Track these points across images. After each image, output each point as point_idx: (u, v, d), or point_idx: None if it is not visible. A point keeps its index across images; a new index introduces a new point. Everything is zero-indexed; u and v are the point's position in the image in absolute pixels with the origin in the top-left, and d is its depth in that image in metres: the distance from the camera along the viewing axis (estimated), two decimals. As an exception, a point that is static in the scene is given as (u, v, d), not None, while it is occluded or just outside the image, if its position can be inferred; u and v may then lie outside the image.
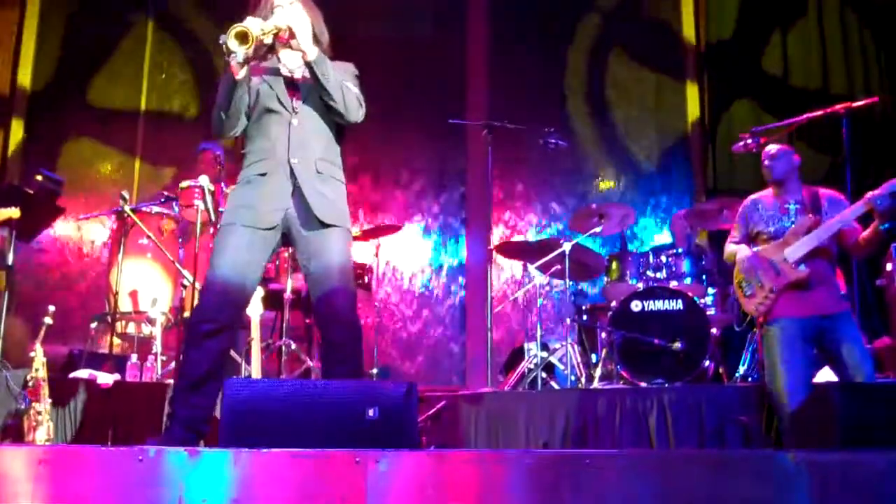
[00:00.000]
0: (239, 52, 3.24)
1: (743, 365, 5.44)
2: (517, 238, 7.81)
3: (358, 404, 2.96)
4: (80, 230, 7.59)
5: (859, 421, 3.06)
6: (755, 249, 4.56)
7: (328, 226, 3.40)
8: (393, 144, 8.00)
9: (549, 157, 7.27)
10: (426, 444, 4.85)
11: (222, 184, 5.95)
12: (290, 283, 5.86)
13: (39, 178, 5.28)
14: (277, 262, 6.00)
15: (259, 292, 4.42)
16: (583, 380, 5.66)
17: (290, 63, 3.55)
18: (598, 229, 5.93)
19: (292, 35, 3.42)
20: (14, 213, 4.97)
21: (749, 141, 5.02)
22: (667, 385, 5.12)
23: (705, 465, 2.30)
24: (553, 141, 6.02)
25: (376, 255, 6.61)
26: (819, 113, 4.99)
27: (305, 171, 3.40)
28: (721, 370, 5.50)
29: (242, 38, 3.24)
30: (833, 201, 4.51)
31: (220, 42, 3.24)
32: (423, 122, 7.80)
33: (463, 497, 2.34)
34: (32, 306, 6.40)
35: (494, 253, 6.63)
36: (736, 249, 4.68)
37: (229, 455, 2.42)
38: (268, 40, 3.43)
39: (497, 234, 7.86)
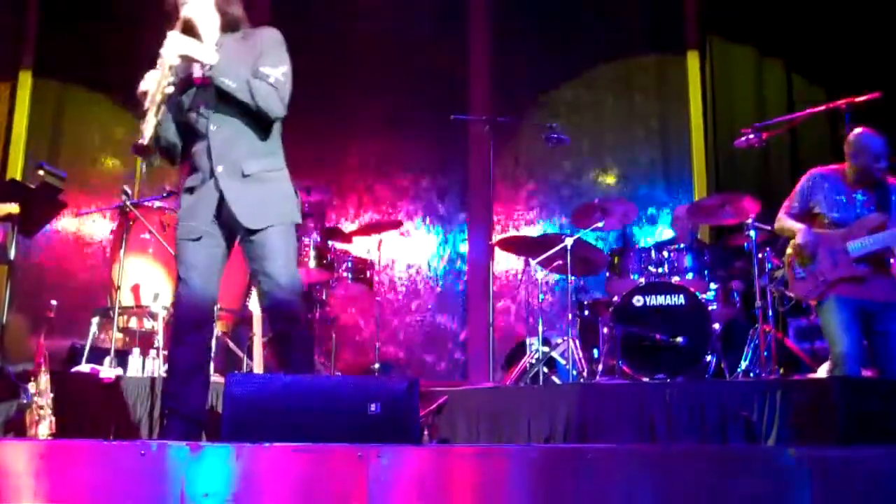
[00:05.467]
0: (152, 154, 3.37)
1: (745, 360, 5.44)
2: (519, 233, 7.80)
3: (360, 399, 2.96)
4: (81, 225, 7.59)
5: (860, 415, 3.07)
6: (815, 232, 4.45)
7: (263, 228, 3.40)
8: (395, 140, 8.00)
9: (550, 152, 7.26)
10: (428, 439, 4.85)
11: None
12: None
13: (41, 172, 5.26)
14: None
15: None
16: (584, 375, 5.66)
17: (194, 72, 3.45)
18: (599, 224, 5.93)
19: (188, 58, 3.37)
20: (13, 208, 4.96)
21: (751, 136, 5.00)
22: (668, 380, 5.12)
23: (707, 461, 2.30)
24: (555, 136, 6.01)
25: (378, 250, 6.61)
26: (821, 108, 4.98)
27: (230, 179, 3.38)
28: (723, 365, 5.49)
29: (145, 151, 3.29)
30: None
31: (133, 149, 3.30)
32: (424, 118, 7.79)
33: (464, 492, 2.34)
34: (34, 301, 6.41)
35: (496, 248, 6.63)
36: (794, 226, 4.52)
37: (231, 449, 2.43)
38: (170, 80, 3.32)
39: (499, 230, 7.86)
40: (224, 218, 3.43)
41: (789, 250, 4.55)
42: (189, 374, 3.44)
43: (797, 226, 4.54)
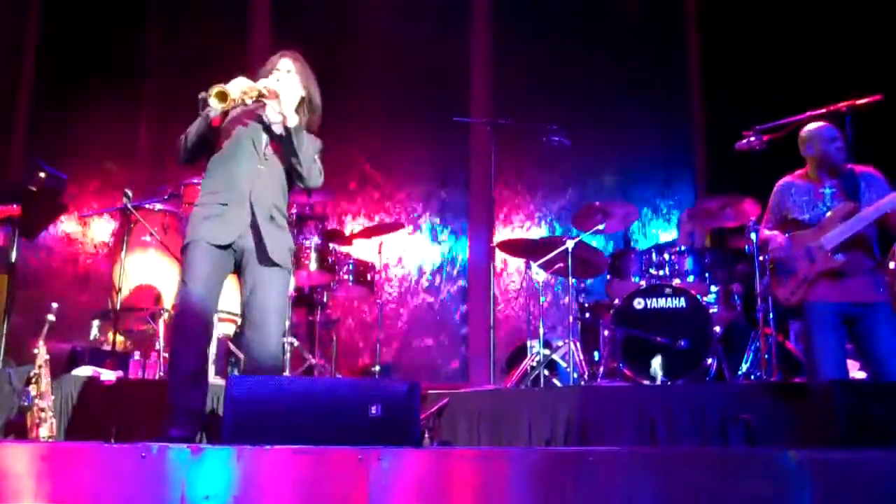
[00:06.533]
0: (216, 108, 3.58)
1: (745, 363, 5.44)
2: (520, 235, 7.80)
3: (360, 402, 2.97)
4: (83, 227, 7.59)
5: (860, 418, 3.06)
6: (788, 236, 4.48)
7: (274, 264, 3.69)
8: (396, 142, 8.01)
9: (552, 154, 7.26)
10: (429, 442, 4.85)
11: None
12: (292, 281, 5.87)
13: (42, 174, 5.27)
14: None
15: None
16: (585, 377, 5.66)
17: (272, 116, 3.80)
18: (600, 227, 5.92)
19: (277, 98, 3.71)
20: (14, 211, 4.97)
21: (752, 138, 4.99)
22: (669, 383, 5.11)
23: (707, 464, 2.30)
24: (556, 139, 6.01)
25: (379, 252, 6.61)
26: (822, 111, 4.97)
27: (261, 211, 3.70)
28: (724, 368, 5.49)
29: (222, 97, 3.55)
30: (871, 181, 4.43)
31: (200, 97, 3.60)
32: (426, 120, 7.80)
33: (465, 494, 2.34)
34: (35, 303, 6.40)
35: (497, 250, 6.62)
36: (769, 236, 4.59)
37: (232, 452, 2.43)
38: (249, 100, 3.71)
39: (500, 232, 7.86)
40: (244, 241, 3.67)
41: (770, 261, 4.58)
42: (193, 375, 3.60)
43: (770, 234, 4.63)
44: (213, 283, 3.66)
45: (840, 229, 4.31)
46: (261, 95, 3.70)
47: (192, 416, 3.56)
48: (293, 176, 3.82)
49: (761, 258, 5.09)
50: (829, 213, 4.38)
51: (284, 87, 3.75)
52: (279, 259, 3.69)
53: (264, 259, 3.66)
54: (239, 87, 3.62)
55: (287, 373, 5.72)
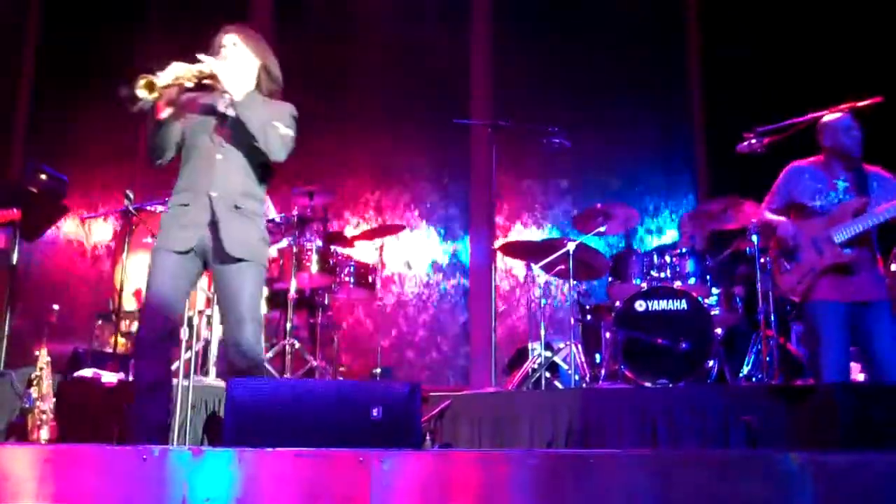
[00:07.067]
0: (147, 100, 3.41)
1: (747, 365, 5.43)
2: (521, 237, 7.80)
3: (362, 404, 2.96)
4: (84, 229, 7.59)
5: (861, 421, 3.06)
6: (796, 223, 4.45)
7: (237, 260, 3.53)
8: (397, 144, 8.02)
9: (552, 155, 7.26)
10: (430, 444, 4.84)
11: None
12: (293, 283, 5.88)
13: (43, 176, 5.28)
14: (282, 262, 6.02)
15: (264, 292, 4.45)
16: (587, 379, 5.66)
17: (222, 101, 3.66)
18: (602, 229, 5.92)
19: (216, 78, 3.54)
20: (15, 215, 4.97)
21: (753, 140, 4.99)
22: (670, 385, 5.11)
23: (709, 466, 2.29)
24: (557, 141, 6.01)
25: (380, 254, 6.61)
26: (823, 112, 4.96)
27: (222, 205, 3.54)
28: (725, 370, 5.49)
29: (149, 87, 3.40)
30: (882, 181, 4.42)
31: (122, 95, 3.42)
32: (426, 122, 7.81)
33: (466, 497, 2.34)
34: (37, 305, 6.42)
35: (498, 253, 6.62)
36: (775, 220, 4.55)
37: (233, 454, 2.43)
38: (189, 84, 3.53)
39: (500, 234, 7.86)
40: (204, 243, 3.55)
41: (774, 246, 4.55)
42: (152, 387, 3.50)
43: (777, 219, 4.57)
44: (176, 290, 3.54)
45: (851, 224, 4.30)
46: (203, 77, 3.53)
47: (151, 430, 3.44)
48: (259, 154, 3.60)
49: (763, 258, 5.08)
50: (840, 206, 4.36)
51: (231, 62, 3.59)
52: (241, 253, 3.53)
53: (226, 257, 3.52)
54: (172, 73, 3.45)
55: (288, 374, 5.73)
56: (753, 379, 5.36)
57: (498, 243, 6.84)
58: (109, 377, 4.84)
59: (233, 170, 3.60)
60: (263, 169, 3.70)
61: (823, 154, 4.63)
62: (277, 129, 3.58)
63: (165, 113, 3.53)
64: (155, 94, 3.41)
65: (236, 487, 2.39)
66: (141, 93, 3.39)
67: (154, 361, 3.52)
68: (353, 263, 6.32)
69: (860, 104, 4.85)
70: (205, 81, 3.57)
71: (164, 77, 3.43)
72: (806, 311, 4.40)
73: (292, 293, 5.85)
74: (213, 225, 3.52)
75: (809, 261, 4.35)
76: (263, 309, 5.10)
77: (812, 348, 4.35)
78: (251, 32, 3.78)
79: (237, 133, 3.58)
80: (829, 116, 4.61)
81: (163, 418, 3.56)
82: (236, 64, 3.62)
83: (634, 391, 4.78)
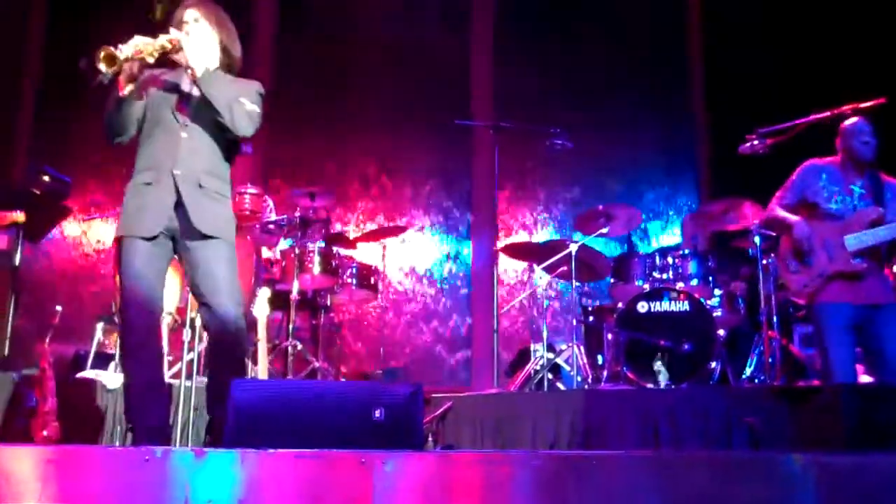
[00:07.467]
0: (107, 73, 3.31)
1: (749, 366, 5.42)
2: (523, 239, 7.80)
3: (364, 405, 2.96)
4: (86, 230, 7.60)
5: (865, 422, 3.05)
6: (811, 224, 4.42)
7: (209, 237, 3.45)
8: (399, 145, 8.02)
9: (554, 157, 7.26)
10: (432, 445, 4.84)
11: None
12: (296, 285, 5.88)
13: (46, 178, 5.28)
14: (284, 264, 6.02)
15: (265, 293, 4.44)
16: (589, 381, 5.65)
17: (185, 78, 3.58)
18: (604, 230, 5.92)
19: (181, 50, 3.46)
20: (18, 217, 4.97)
21: (756, 141, 4.98)
22: (673, 386, 5.10)
23: (711, 467, 2.29)
24: (559, 142, 6.00)
25: (382, 256, 6.61)
26: (826, 114, 4.96)
27: (187, 184, 3.45)
28: (727, 371, 5.48)
29: (109, 60, 3.30)
30: None
31: (81, 67, 3.33)
32: (428, 124, 7.80)
33: (469, 498, 2.34)
34: (39, 306, 6.42)
35: (500, 254, 6.62)
36: (788, 218, 4.50)
37: (235, 456, 2.42)
38: (151, 59, 3.44)
39: (503, 235, 7.86)
40: (172, 224, 3.45)
41: (783, 242, 4.54)
42: (146, 386, 3.43)
43: (792, 218, 4.53)
44: (151, 278, 3.44)
45: (866, 235, 4.28)
46: (165, 51, 3.44)
47: (153, 434, 3.36)
48: (224, 130, 3.52)
49: (766, 260, 5.05)
50: (857, 213, 4.34)
51: (193, 37, 3.49)
52: (211, 230, 3.45)
53: (195, 234, 3.43)
54: (133, 46, 3.35)
55: (290, 376, 5.73)
56: (756, 380, 5.35)
57: (500, 244, 6.83)
58: (111, 378, 4.84)
59: (198, 148, 3.52)
60: (229, 147, 3.62)
61: (840, 156, 4.62)
62: (244, 106, 3.50)
63: (127, 89, 3.44)
64: (115, 68, 3.32)
65: (238, 489, 2.39)
66: (102, 66, 3.30)
67: (146, 360, 3.45)
68: (355, 265, 6.32)
69: (863, 105, 4.84)
70: (168, 57, 3.49)
71: (125, 50, 3.34)
72: (813, 313, 4.39)
73: (294, 294, 5.86)
74: (180, 205, 3.43)
75: (819, 265, 4.33)
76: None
77: (821, 351, 4.33)
78: (212, 6, 3.68)
79: (202, 111, 3.50)
80: (847, 120, 4.59)
81: (161, 423, 3.49)
82: (198, 39, 3.53)
83: (637, 392, 4.78)
